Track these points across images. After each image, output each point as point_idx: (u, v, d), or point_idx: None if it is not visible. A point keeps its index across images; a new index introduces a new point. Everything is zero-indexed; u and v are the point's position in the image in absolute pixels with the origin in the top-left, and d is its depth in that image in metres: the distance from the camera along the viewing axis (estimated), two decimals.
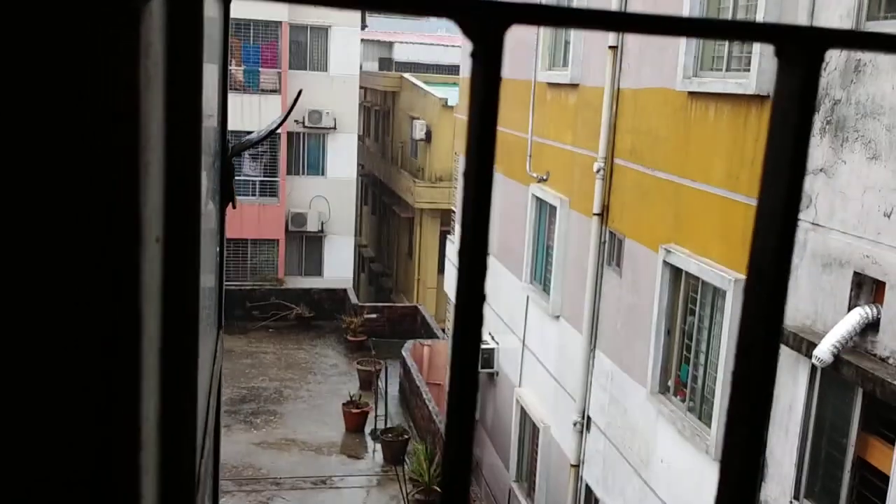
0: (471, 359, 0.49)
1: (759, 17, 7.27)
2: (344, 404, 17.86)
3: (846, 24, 6.37)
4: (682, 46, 8.61)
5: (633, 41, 9.96)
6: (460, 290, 0.49)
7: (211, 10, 1.44)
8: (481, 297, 0.50)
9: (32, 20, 0.47)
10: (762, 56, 7.28)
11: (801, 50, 0.52)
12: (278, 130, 25.00)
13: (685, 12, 8.49)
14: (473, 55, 0.49)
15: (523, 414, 13.32)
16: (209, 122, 1.57)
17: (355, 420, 17.59)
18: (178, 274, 0.65)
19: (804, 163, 0.53)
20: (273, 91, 25.45)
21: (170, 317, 0.64)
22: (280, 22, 25.51)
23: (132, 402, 0.54)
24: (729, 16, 8.09)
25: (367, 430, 17.60)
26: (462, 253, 0.50)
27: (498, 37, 0.49)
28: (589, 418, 11.01)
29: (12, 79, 0.48)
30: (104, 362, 0.54)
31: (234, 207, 1.82)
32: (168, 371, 0.66)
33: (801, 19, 6.78)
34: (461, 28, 0.51)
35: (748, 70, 7.60)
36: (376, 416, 17.58)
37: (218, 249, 1.71)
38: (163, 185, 0.60)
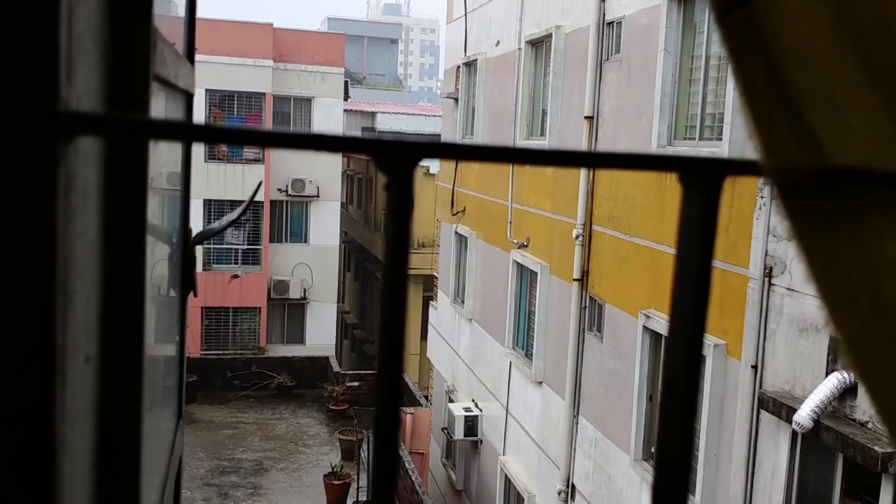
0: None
1: (730, 88, 7.45)
2: (325, 476, 17.54)
3: None
4: (657, 115, 8.79)
5: (609, 111, 10.16)
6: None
7: (170, 110, 1.47)
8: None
9: None
10: (734, 125, 7.44)
11: (701, 178, 0.55)
12: (255, 201, 25.04)
13: (657, 87, 8.70)
14: (387, 187, 0.53)
15: (508, 483, 13.13)
16: (171, 211, 1.59)
17: (337, 492, 17.26)
18: (115, 394, 0.66)
19: (707, 286, 0.56)
20: (256, 160, 25.63)
21: (106, 436, 0.64)
22: (264, 93, 25.85)
23: None
24: (700, 89, 8.29)
25: (350, 501, 17.26)
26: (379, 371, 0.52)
27: (407, 171, 0.52)
28: (573, 486, 10.87)
29: None
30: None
31: (195, 296, 1.83)
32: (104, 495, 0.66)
33: None
34: (376, 165, 0.54)
35: (720, 140, 7.75)
36: (358, 488, 17.26)
37: (178, 338, 1.72)
38: (98, 304, 0.62)
